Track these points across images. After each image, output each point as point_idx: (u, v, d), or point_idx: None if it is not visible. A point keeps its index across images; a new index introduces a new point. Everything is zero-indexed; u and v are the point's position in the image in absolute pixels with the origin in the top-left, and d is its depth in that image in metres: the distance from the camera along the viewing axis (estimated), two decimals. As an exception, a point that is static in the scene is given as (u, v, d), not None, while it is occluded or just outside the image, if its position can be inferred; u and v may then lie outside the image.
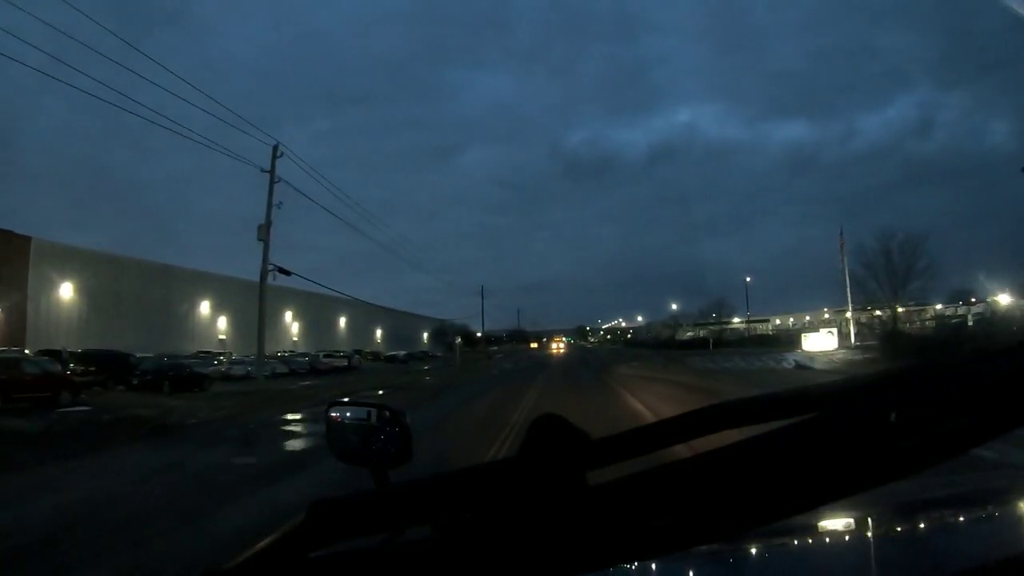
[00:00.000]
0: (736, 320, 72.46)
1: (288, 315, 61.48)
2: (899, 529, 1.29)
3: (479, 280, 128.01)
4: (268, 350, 54.51)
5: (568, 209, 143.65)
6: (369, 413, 1.26)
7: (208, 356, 40.20)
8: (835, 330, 42.89)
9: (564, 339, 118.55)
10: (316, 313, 62.82)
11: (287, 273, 21.47)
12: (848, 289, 38.40)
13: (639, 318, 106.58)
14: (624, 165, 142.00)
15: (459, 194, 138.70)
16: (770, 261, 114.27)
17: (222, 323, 53.43)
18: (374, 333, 78.80)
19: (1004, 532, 1.18)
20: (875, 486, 0.53)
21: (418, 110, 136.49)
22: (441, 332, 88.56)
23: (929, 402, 0.53)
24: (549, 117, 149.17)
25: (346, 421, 1.32)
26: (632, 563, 0.55)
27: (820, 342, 40.70)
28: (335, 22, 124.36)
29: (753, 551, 1.11)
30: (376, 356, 58.53)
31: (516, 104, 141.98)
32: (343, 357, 45.02)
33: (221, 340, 52.64)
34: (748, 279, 64.04)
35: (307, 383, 29.72)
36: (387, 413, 1.23)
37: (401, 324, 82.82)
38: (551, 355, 71.77)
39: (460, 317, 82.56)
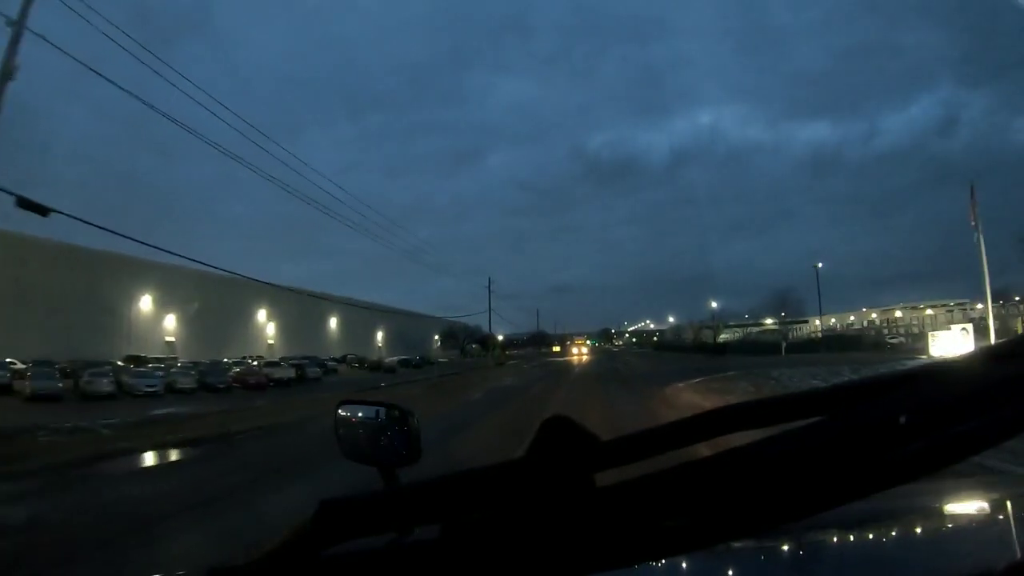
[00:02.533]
0: (769, 321, 64.15)
1: (262, 313, 51.76)
2: (908, 532, 1.27)
3: (502, 282, 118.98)
4: (235, 354, 45.08)
5: (591, 211, 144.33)
6: (378, 412, 1.26)
7: (121, 362, 30.41)
8: (970, 327, 30.92)
9: (588, 342, 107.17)
10: (301, 312, 53.03)
11: (41, 211, 10.83)
12: (986, 273, 26.06)
13: (671, 319, 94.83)
14: (647, 167, 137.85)
15: (481, 197, 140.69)
16: (797, 262, 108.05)
17: (170, 322, 43.87)
18: (374, 335, 68.90)
19: (1014, 536, 1.16)
20: (884, 489, 0.52)
21: (441, 114, 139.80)
22: (450, 335, 77.81)
23: (939, 404, 0.52)
24: (571, 120, 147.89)
25: (355, 420, 1.32)
26: (639, 565, 0.57)
27: (953, 344, 29.08)
28: (357, 28, 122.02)
29: (761, 553, 1.12)
30: (361, 363, 47.81)
31: (538, 107, 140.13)
32: (291, 367, 34.26)
33: (168, 343, 43.24)
34: (819, 265, 51.18)
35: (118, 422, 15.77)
36: (396, 412, 1.23)
37: (408, 326, 72.73)
38: (572, 363, 58.55)
39: (474, 316, 71.83)
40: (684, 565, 1.02)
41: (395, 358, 55.47)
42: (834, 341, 47.64)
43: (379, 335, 69.80)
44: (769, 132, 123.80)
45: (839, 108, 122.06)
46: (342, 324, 61.17)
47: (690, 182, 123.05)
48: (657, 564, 0.95)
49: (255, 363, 34.24)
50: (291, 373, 32.64)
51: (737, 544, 1.05)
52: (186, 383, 26.43)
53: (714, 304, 68.05)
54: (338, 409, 1.34)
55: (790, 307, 55.71)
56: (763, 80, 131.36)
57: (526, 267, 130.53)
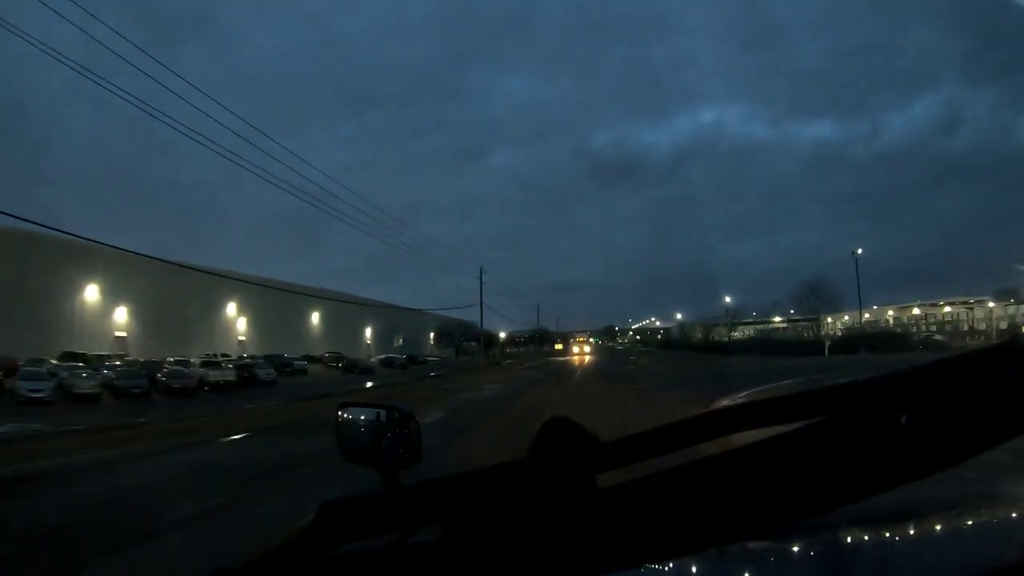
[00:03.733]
0: (777, 319, 59.73)
1: (231, 307, 46.63)
2: (909, 532, 1.26)
3: (505, 280, 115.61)
4: (199, 351, 39.91)
5: (595, 210, 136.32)
6: (378, 414, 1.26)
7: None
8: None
9: (591, 340, 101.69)
10: (279, 307, 47.94)
11: None
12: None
13: (678, 315, 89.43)
14: (650, 165, 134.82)
15: (485, 195, 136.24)
16: (803, 260, 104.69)
17: (120, 315, 38.79)
18: (362, 332, 63.73)
19: (1015, 536, 1.17)
20: (886, 489, 0.52)
21: (443, 113, 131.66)
22: (446, 332, 72.43)
23: (941, 403, 0.52)
24: (574, 119, 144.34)
25: (355, 422, 1.32)
26: (642, 566, 0.59)
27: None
28: (360, 27, 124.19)
29: (762, 554, 1.12)
30: (338, 362, 42.51)
31: (541, 106, 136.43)
32: (233, 368, 28.43)
33: (118, 338, 38.21)
34: (858, 251, 44.82)
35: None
36: (396, 414, 1.23)
37: (401, 322, 67.49)
38: (574, 363, 50.40)
39: (465, 310, 66.37)
40: (686, 566, 1.01)
41: (380, 357, 50.53)
42: (877, 339, 41.89)
43: (368, 332, 64.71)
44: (773, 130, 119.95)
45: (843, 106, 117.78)
46: (327, 320, 56.16)
47: (695, 180, 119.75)
48: (659, 565, 0.95)
49: (199, 362, 28.63)
50: (229, 376, 26.96)
51: (739, 545, 1.04)
52: (87, 387, 21.36)
53: (728, 299, 62.23)
54: (339, 411, 1.34)
55: (825, 301, 49.37)
56: (766, 78, 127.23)
57: (529, 265, 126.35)
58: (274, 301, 47.03)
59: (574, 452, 0.53)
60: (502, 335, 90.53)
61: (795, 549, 1.13)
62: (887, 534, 1.23)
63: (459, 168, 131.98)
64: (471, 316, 67.85)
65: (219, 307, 45.68)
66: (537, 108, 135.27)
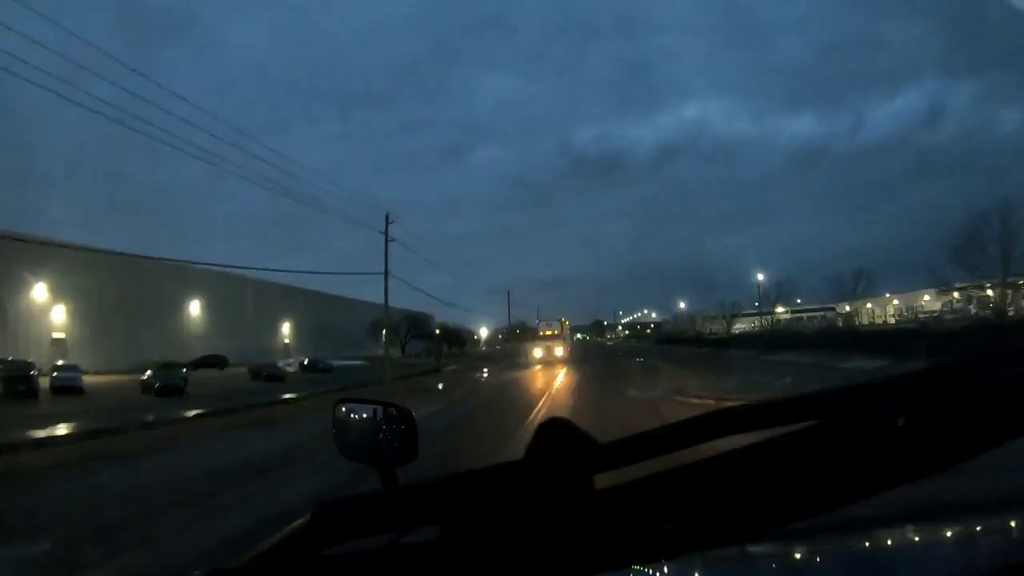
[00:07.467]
0: (780, 309, 53.02)
1: (40, 289, 31.19)
2: (907, 534, 1.27)
3: (491, 278, 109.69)
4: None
5: (580, 205, 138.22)
6: (375, 411, 1.26)
7: None
8: None
9: (579, 336, 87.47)
10: (131, 288, 32.66)
11: None
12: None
13: (681, 304, 79.97)
14: (634, 161, 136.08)
15: (470, 193, 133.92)
16: (786, 254, 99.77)
17: None
18: (278, 327, 48.63)
19: (1012, 539, 1.17)
20: (884, 490, 0.52)
21: (427, 111, 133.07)
22: (391, 327, 56.92)
23: (938, 406, 0.53)
24: (558, 115, 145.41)
25: (353, 419, 1.32)
26: (638, 567, 0.61)
27: None
28: (342, 26, 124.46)
29: (760, 556, 1.12)
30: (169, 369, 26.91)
31: (524, 103, 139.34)
32: None
33: None
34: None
35: None
36: (393, 411, 1.24)
37: (340, 316, 52.46)
38: (538, 385, 22.70)
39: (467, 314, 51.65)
40: (682, 568, 1.02)
41: (291, 361, 36.06)
42: (982, 331, 27.18)
43: (286, 326, 49.73)
44: (756, 125, 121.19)
45: (825, 100, 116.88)
46: (220, 310, 40.98)
47: (676, 176, 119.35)
48: (655, 566, 0.97)
49: None
50: None
51: (736, 547, 1.03)
52: None
53: (760, 276, 50.27)
54: (336, 408, 1.33)
55: (996, 261, 30.00)
56: (751, 74, 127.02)
57: (517, 261, 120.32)
58: (114, 281, 31.68)
59: (571, 453, 0.53)
60: (483, 331, 77.36)
61: (792, 551, 1.13)
62: (885, 536, 1.22)
63: (444, 166, 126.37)
64: (449, 310, 53.43)
65: (18, 289, 30.32)
66: (521, 106, 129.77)
